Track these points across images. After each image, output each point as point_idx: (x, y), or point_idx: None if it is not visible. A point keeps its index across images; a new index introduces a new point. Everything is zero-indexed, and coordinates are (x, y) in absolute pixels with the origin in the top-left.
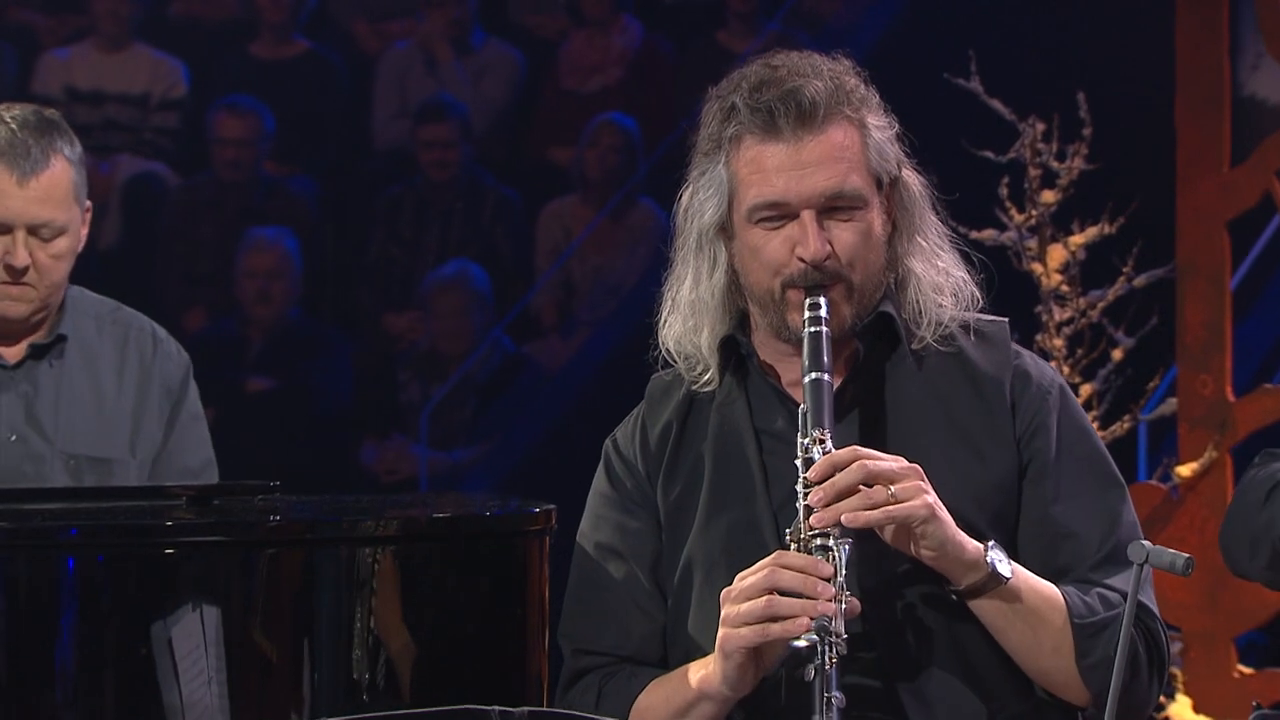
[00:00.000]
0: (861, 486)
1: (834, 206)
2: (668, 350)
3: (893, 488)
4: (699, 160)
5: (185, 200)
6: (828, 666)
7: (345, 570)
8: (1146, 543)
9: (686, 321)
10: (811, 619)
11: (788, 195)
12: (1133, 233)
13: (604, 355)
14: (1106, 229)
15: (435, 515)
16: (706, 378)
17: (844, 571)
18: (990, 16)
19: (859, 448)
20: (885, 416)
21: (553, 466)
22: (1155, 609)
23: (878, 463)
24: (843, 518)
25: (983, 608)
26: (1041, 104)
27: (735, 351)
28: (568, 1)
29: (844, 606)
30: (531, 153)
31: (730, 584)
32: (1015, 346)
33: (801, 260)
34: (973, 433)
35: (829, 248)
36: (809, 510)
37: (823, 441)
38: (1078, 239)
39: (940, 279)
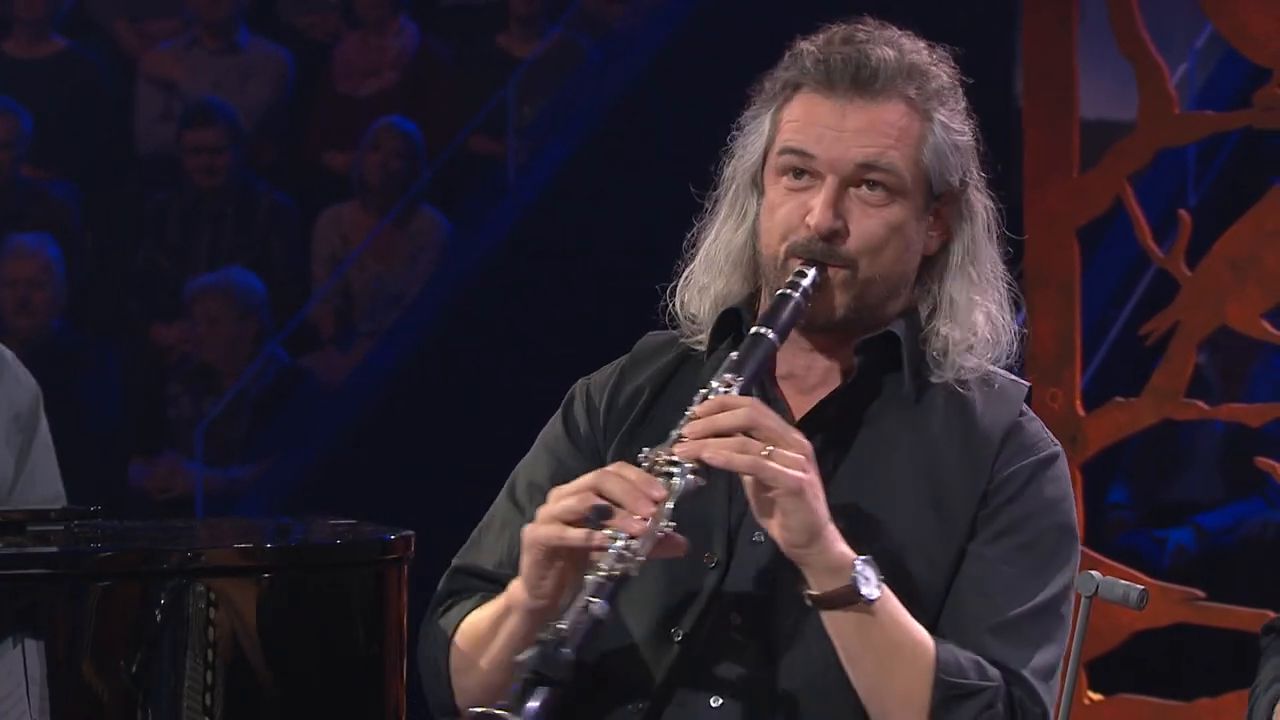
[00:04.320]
0: (745, 436)
1: (865, 180)
2: (675, 307)
3: (771, 449)
4: (756, 104)
5: None
6: (608, 579)
7: (185, 603)
8: (1096, 574)
9: (699, 279)
10: (614, 535)
11: (818, 150)
12: None
13: (386, 368)
14: None
15: (283, 545)
16: (699, 338)
17: (671, 504)
18: (804, 14)
19: (758, 402)
20: (865, 446)
21: (333, 482)
22: (1045, 688)
23: (769, 419)
24: (705, 453)
25: (837, 625)
26: None
27: (736, 327)
28: (341, 2)
29: (659, 535)
30: (306, 158)
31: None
32: (1025, 408)
33: (810, 227)
34: (949, 495)
35: (840, 223)
36: (679, 439)
37: (730, 387)
38: None
39: (978, 318)
